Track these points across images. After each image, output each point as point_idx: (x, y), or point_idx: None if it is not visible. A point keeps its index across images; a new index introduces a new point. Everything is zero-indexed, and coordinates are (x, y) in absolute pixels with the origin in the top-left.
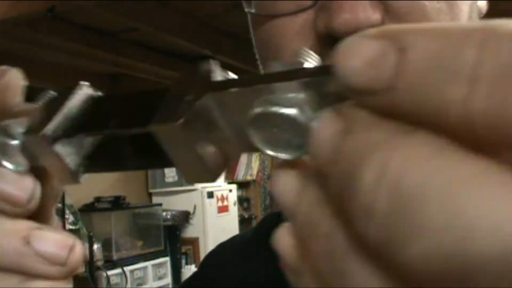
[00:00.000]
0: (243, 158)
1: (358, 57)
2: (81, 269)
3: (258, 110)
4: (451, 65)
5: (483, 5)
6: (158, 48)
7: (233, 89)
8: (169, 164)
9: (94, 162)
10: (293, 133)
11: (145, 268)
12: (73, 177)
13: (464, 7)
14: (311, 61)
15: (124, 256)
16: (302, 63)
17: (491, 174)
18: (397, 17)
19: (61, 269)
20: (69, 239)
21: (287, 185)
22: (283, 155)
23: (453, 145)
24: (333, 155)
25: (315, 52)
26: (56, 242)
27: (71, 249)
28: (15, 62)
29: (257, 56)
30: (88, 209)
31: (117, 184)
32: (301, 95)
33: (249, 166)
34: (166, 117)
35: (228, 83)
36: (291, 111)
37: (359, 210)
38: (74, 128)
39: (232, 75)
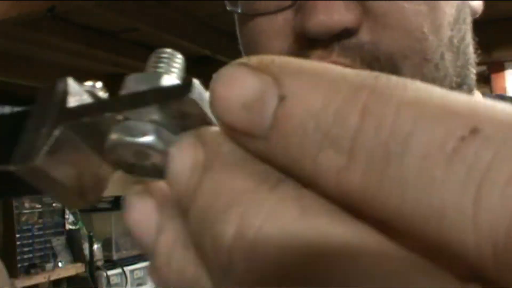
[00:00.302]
0: None
1: (236, 96)
2: (81, 269)
3: (113, 139)
4: (331, 131)
5: (477, 5)
6: (158, 48)
7: (85, 119)
8: (38, 193)
9: None
10: (155, 159)
11: (145, 268)
12: None
13: (448, 9)
14: (170, 67)
15: (124, 256)
16: (158, 76)
17: (362, 243)
18: (375, 19)
19: None
20: None
21: (145, 217)
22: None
23: (325, 204)
24: (191, 191)
25: (293, 52)
26: None
27: None
28: (15, 62)
29: (243, 55)
30: (88, 209)
31: (116, 184)
32: (158, 118)
33: None
34: (24, 156)
35: (81, 111)
36: (146, 140)
37: (215, 266)
38: None
39: (87, 91)
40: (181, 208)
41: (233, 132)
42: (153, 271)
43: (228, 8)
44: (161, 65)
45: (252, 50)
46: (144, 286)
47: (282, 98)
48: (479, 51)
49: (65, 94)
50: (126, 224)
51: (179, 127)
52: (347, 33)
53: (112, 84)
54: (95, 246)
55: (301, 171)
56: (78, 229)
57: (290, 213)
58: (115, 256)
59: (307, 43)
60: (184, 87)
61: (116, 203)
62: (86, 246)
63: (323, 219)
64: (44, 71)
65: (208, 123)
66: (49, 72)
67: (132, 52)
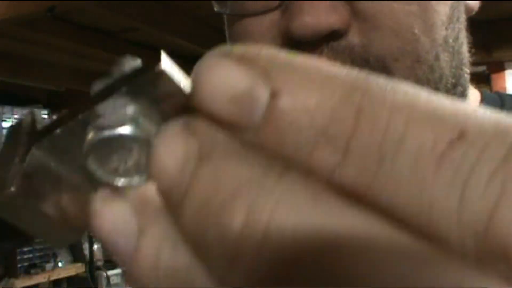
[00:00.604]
0: None
1: (222, 88)
2: (81, 269)
3: (88, 139)
4: (326, 129)
5: (473, 3)
6: (158, 48)
7: (57, 131)
8: (25, 238)
9: None
10: (138, 155)
11: None
12: None
13: (441, 8)
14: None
15: None
16: (122, 72)
17: (368, 229)
18: (365, 20)
19: None
20: None
21: (120, 222)
22: (137, 181)
23: (333, 193)
24: (185, 183)
25: None
26: None
27: None
28: (15, 62)
29: None
30: None
31: None
32: (131, 108)
33: None
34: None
35: (50, 126)
36: (124, 130)
37: (220, 259)
38: None
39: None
40: (169, 204)
41: (219, 123)
42: (134, 280)
43: (215, 9)
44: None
45: None
46: None
47: (274, 94)
48: (473, 51)
49: (33, 122)
50: (96, 235)
51: (159, 116)
52: (335, 35)
53: None
54: (95, 246)
55: (295, 163)
56: None
57: (302, 201)
58: None
59: (294, 46)
60: (151, 64)
61: None
62: (86, 246)
63: (335, 207)
64: (44, 71)
65: (187, 105)
66: (49, 72)
67: (132, 52)
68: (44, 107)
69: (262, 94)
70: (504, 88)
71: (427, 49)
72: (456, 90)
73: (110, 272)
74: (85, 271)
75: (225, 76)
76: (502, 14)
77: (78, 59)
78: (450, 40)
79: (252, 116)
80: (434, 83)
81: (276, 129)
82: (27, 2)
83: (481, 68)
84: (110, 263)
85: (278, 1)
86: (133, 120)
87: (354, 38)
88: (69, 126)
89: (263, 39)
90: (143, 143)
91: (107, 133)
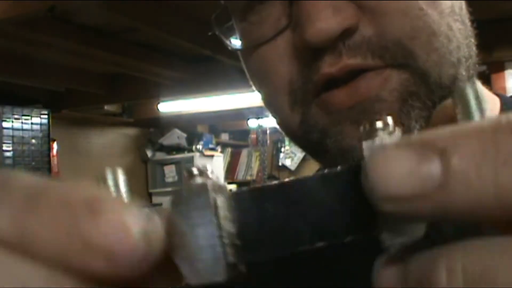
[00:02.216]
0: (243, 158)
1: (396, 168)
2: None
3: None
4: (500, 154)
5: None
6: (158, 48)
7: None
8: None
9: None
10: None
11: None
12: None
13: (446, 3)
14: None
15: None
16: None
17: None
18: (371, 11)
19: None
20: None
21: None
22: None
23: None
24: None
25: (303, 70)
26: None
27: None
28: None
29: (255, 89)
30: None
31: None
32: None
33: (249, 166)
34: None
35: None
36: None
37: None
38: (251, 249)
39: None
40: None
41: (405, 201)
42: None
43: (229, 48)
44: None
45: (263, 79)
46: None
47: (443, 153)
48: (477, 35)
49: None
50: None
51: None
52: (348, 32)
53: (112, 84)
54: None
55: (483, 210)
56: None
57: None
58: None
59: (312, 56)
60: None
61: None
62: None
63: None
64: (44, 71)
65: None
66: (49, 72)
67: (132, 52)
68: (44, 107)
69: (433, 156)
70: (504, 88)
71: (437, 21)
72: (470, 61)
73: None
74: None
75: (393, 158)
76: (502, 14)
77: (78, 59)
78: (457, 10)
79: (430, 177)
80: (456, 53)
81: (456, 178)
82: (27, 2)
83: (481, 68)
84: None
85: (286, 20)
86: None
87: (367, 30)
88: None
89: (281, 62)
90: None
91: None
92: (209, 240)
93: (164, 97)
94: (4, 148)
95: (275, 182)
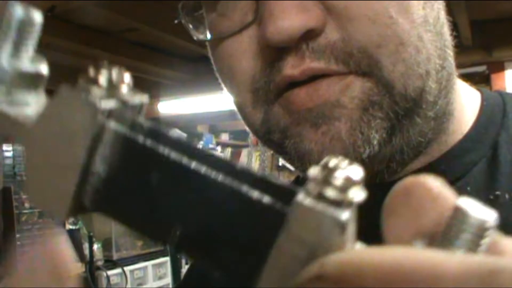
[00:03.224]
0: (243, 158)
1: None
2: (81, 269)
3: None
4: None
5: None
6: (158, 48)
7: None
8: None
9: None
10: None
11: (145, 268)
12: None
13: (419, 13)
14: None
15: (124, 256)
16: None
17: None
18: (338, 14)
19: None
20: None
21: None
22: None
23: None
24: None
25: (265, 70)
26: None
27: None
28: None
29: (220, 81)
30: None
31: None
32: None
33: (249, 166)
34: None
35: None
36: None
37: None
38: (110, 206)
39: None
40: None
41: None
42: None
43: (194, 38)
44: None
45: (227, 73)
46: (144, 286)
47: None
48: (455, 33)
49: None
50: None
51: None
52: (312, 34)
53: None
54: (95, 246)
55: None
56: (78, 229)
57: None
58: (115, 256)
59: (275, 55)
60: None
61: None
62: (86, 246)
63: None
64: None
65: None
66: (49, 72)
67: (132, 52)
68: None
69: None
70: (504, 88)
71: (407, 30)
72: (442, 73)
73: (110, 272)
74: (85, 271)
75: None
76: (502, 14)
77: (78, 59)
78: (430, 20)
79: None
80: (424, 65)
81: None
82: (27, 2)
83: (481, 68)
84: (110, 263)
85: (252, 15)
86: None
87: (332, 34)
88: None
89: (244, 58)
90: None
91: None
92: (70, 170)
93: (164, 97)
94: (4, 148)
95: (194, 162)
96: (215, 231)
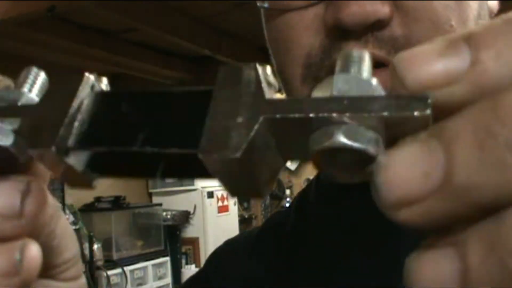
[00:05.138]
0: None
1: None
2: (82, 269)
3: (338, 141)
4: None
5: (494, 5)
6: (158, 48)
7: (296, 115)
8: (208, 177)
9: (110, 169)
10: (361, 164)
11: (145, 268)
12: (86, 183)
13: (473, 3)
14: (361, 70)
15: (124, 256)
16: (368, 83)
17: None
18: (406, 13)
19: (18, 223)
20: (20, 183)
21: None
22: (344, 177)
23: None
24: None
25: (325, 46)
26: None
27: (24, 194)
28: (15, 62)
29: (270, 51)
30: (88, 209)
31: (117, 184)
32: (376, 126)
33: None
34: (218, 146)
35: (289, 105)
36: (371, 149)
37: None
38: (91, 140)
39: (275, 83)
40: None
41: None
42: None
43: (258, 4)
44: (355, 68)
45: (282, 45)
46: (144, 286)
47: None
48: None
49: (258, 83)
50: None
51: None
52: (380, 25)
53: (112, 84)
54: (95, 246)
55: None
56: (78, 229)
57: None
58: (115, 256)
59: (340, 35)
60: (419, 102)
61: (116, 203)
62: (86, 246)
63: None
64: (44, 71)
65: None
66: (49, 72)
67: (132, 52)
68: None
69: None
70: None
71: None
72: None
73: (110, 272)
74: (85, 271)
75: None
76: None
77: (78, 59)
78: None
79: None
80: None
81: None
82: (27, 2)
83: None
84: (110, 263)
85: None
86: (378, 142)
87: (397, 29)
88: (306, 117)
89: (306, 32)
90: (375, 161)
91: (357, 145)
92: (57, 113)
93: None
94: None
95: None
96: (167, 128)
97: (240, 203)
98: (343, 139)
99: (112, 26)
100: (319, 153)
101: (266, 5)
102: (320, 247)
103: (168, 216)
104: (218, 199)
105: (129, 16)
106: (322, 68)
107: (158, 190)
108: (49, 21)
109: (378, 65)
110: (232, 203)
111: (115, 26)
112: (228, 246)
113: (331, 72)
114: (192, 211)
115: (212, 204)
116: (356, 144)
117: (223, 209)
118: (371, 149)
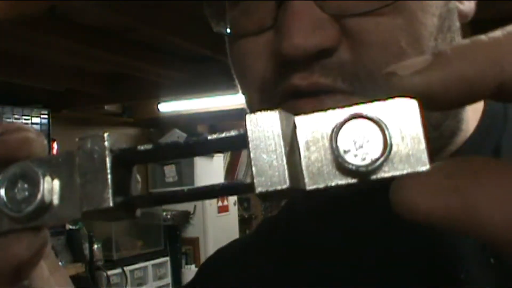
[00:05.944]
0: (243, 158)
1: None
2: (81, 269)
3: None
4: None
5: (468, 9)
6: (158, 48)
7: None
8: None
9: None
10: None
11: (145, 268)
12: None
13: (428, 20)
14: None
15: (124, 256)
16: None
17: None
18: (353, 37)
19: None
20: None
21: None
22: None
23: None
24: None
25: (276, 72)
26: None
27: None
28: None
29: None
30: None
31: None
32: None
33: (249, 166)
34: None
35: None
36: None
37: None
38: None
39: None
40: None
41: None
42: None
43: (214, 29)
44: None
45: (240, 69)
46: (144, 286)
47: None
48: None
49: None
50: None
51: None
52: (325, 53)
53: (112, 84)
54: (95, 246)
55: None
56: (78, 229)
57: None
58: (115, 256)
59: (286, 65)
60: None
61: None
62: (86, 246)
63: None
64: (44, 71)
65: None
66: (49, 72)
67: (132, 52)
68: (44, 107)
69: None
70: None
71: None
72: None
73: (110, 272)
74: (85, 271)
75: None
76: (502, 14)
77: (78, 59)
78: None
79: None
80: None
81: None
82: (27, 2)
83: None
84: (110, 263)
85: (271, 21)
86: None
87: (344, 54)
88: None
89: (258, 59)
90: None
91: None
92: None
93: (164, 97)
94: None
95: None
96: None
97: (240, 203)
98: None
99: (112, 26)
100: None
101: (222, 31)
102: (310, 257)
103: (168, 216)
104: (218, 199)
105: (129, 16)
106: (275, 94)
107: (158, 190)
108: (49, 21)
109: (325, 92)
110: (232, 203)
111: (115, 26)
112: (220, 255)
113: (283, 99)
114: (192, 211)
115: (212, 204)
116: None
117: (223, 209)
118: None
